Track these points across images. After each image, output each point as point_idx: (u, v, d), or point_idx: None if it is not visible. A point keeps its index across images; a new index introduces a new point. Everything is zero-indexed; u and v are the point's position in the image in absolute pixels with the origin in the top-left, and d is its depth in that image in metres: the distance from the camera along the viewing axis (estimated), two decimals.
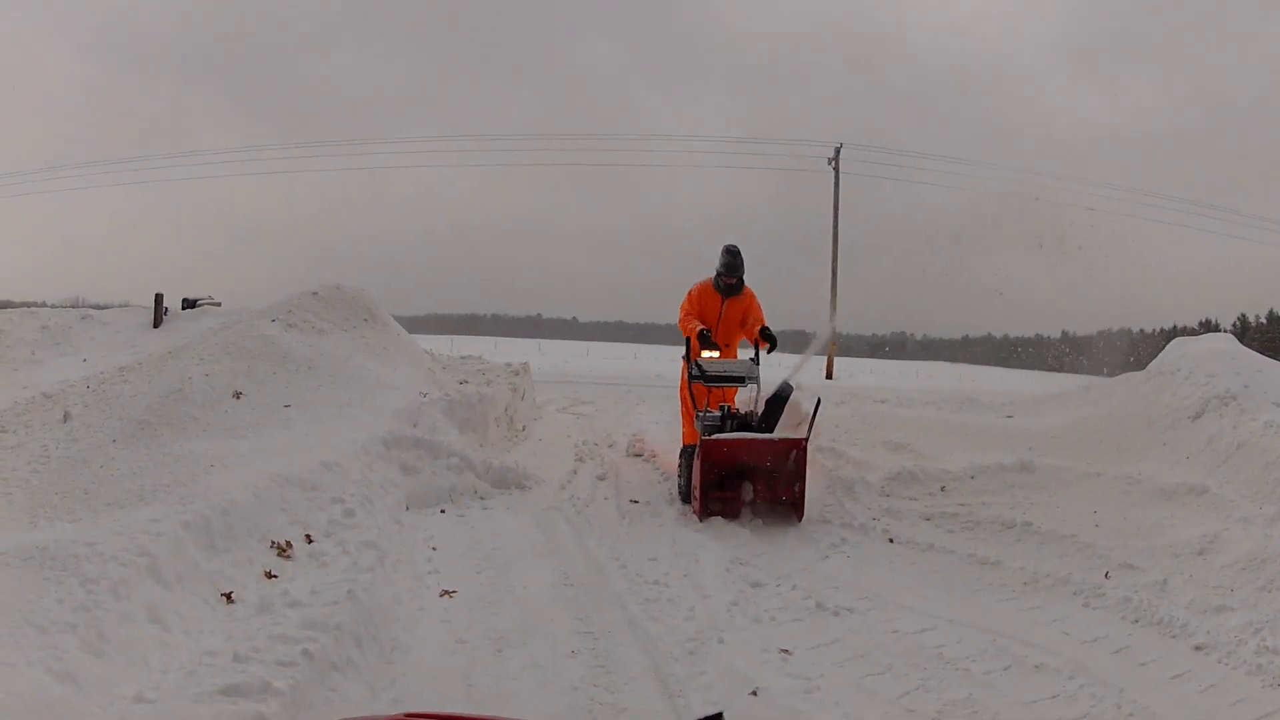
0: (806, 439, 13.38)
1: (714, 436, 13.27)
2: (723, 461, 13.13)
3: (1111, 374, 19.78)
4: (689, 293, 15.50)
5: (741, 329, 15.53)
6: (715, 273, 15.37)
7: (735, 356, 15.50)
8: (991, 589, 10.51)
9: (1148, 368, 17.52)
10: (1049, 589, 10.36)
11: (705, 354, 14.65)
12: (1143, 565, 10.70)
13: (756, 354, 14.85)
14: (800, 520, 13.08)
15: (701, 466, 13.05)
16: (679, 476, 14.36)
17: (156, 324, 20.82)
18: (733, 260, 15.22)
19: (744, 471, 13.25)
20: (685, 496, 13.94)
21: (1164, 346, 18.05)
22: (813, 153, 52.37)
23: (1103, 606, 9.80)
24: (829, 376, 44.30)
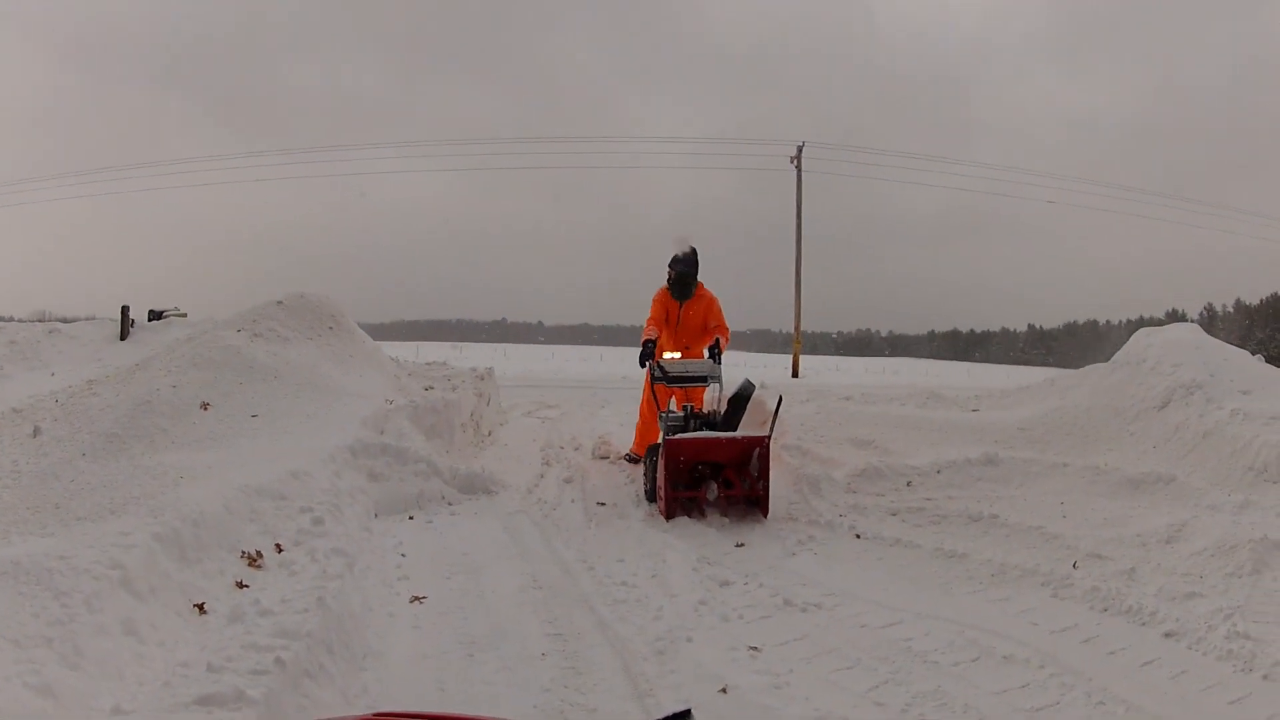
0: (769, 436, 13.67)
1: (677, 436, 13.48)
2: (687, 461, 13.44)
3: (1078, 366, 19.88)
4: (653, 298, 16.21)
5: (704, 332, 15.85)
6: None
7: (701, 357, 15.53)
8: (959, 581, 10.58)
9: (1113, 359, 17.73)
10: (1017, 580, 10.44)
11: (667, 355, 15.33)
12: (1111, 555, 10.81)
13: (715, 354, 15.02)
14: (766, 517, 13.25)
15: (666, 466, 13.24)
16: (644, 478, 14.50)
17: (123, 336, 20.80)
18: (676, 264, 15.84)
19: (708, 470, 13.57)
20: (651, 496, 14.06)
21: (1131, 337, 18.12)
22: (779, 151, 52.23)
23: (1071, 596, 9.87)
24: (795, 375, 44.28)
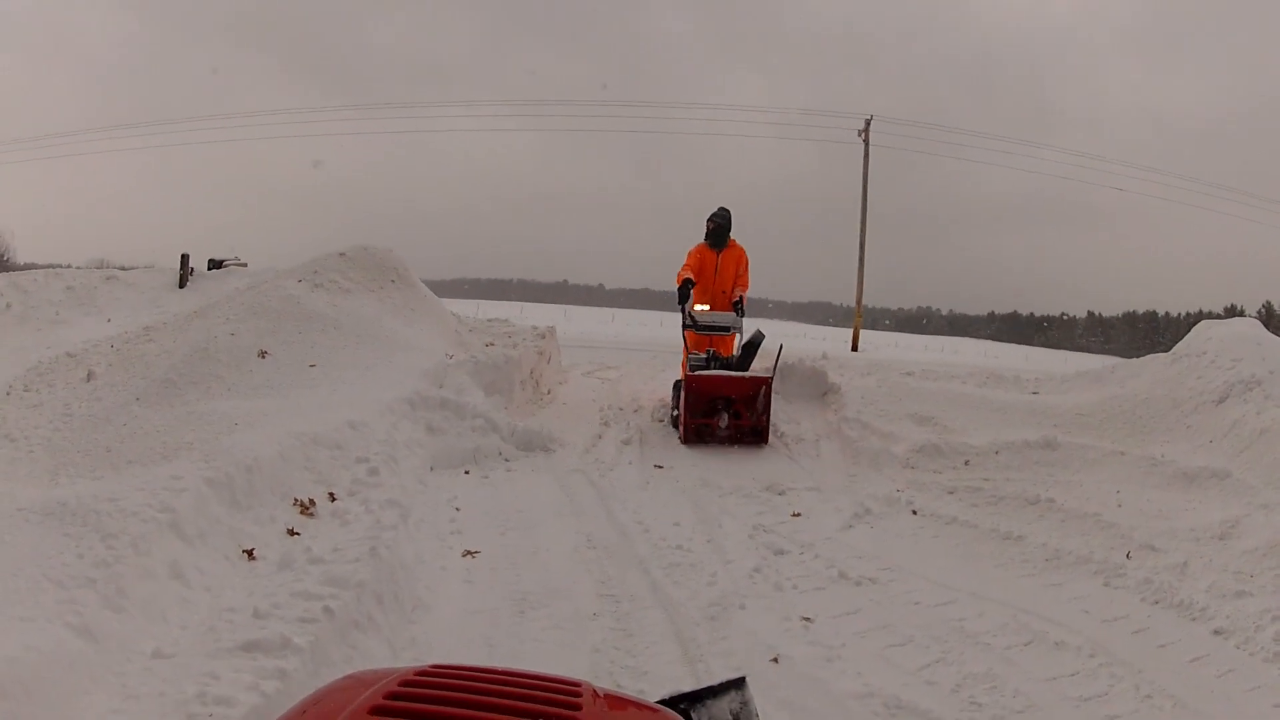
0: (772, 377, 15.93)
1: (697, 373, 15.87)
2: (704, 394, 15.81)
3: (1135, 356, 19.74)
4: (689, 251, 17.72)
5: (736, 277, 17.60)
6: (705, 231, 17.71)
7: (727, 306, 17.42)
8: (1013, 564, 10.51)
9: (1173, 350, 17.51)
10: (1070, 567, 10.34)
11: (698, 307, 17.22)
12: (1164, 547, 10.68)
13: (738, 307, 17.23)
14: (765, 444, 15.64)
15: (686, 398, 15.69)
16: (672, 407, 16.89)
17: (182, 284, 20.80)
18: (715, 218, 17.56)
19: (721, 403, 15.84)
20: (675, 424, 16.29)
21: (1189, 330, 17.96)
22: (850, 125, 51.92)
23: (1123, 586, 9.77)
24: (855, 348, 44.04)
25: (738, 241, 17.81)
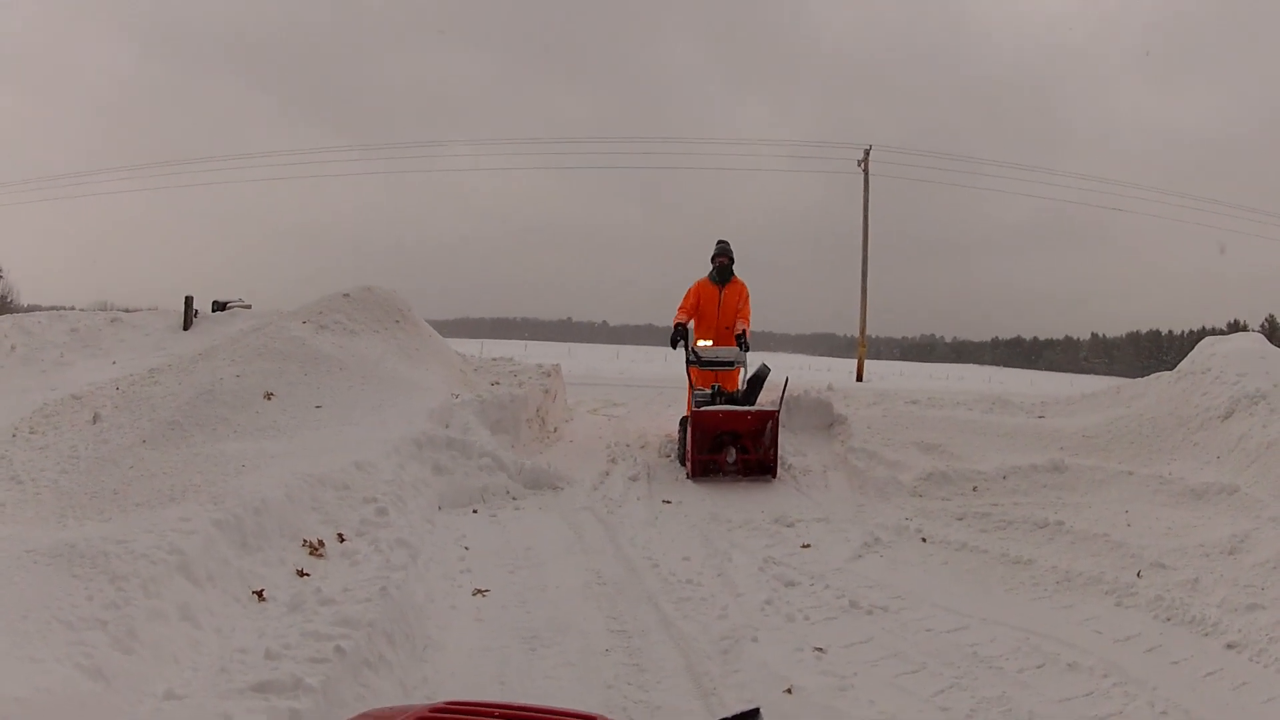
0: (778, 410, 16.06)
1: (703, 409, 15.91)
2: (710, 429, 15.87)
3: (1140, 375, 19.79)
4: (687, 290, 18.08)
5: (738, 312, 17.80)
6: (710, 267, 18.03)
7: (732, 341, 17.63)
8: (1024, 588, 10.51)
9: (1178, 368, 17.51)
10: (1081, 588, 10.34)
11: (701, 342, 17.61)
12: (1174, 564, 10.66)
13: (742, 341, 17.39)
14: (774, 478, 15.64)
15: (693, 434, 15.77)
16: (678, 444, 16.90)
17: (186, 326, 20.80)
18: (720, 255, 17.90)
19: (728, 437, 15.96)
20: (683, 460, 16.39)
21: (1193, 347, 17.96)
22: (851, 155, 51.93)
23: (1135, 605, 9.77)
24: (859, 379, 44.04)
25: (739, 276, 18.03)
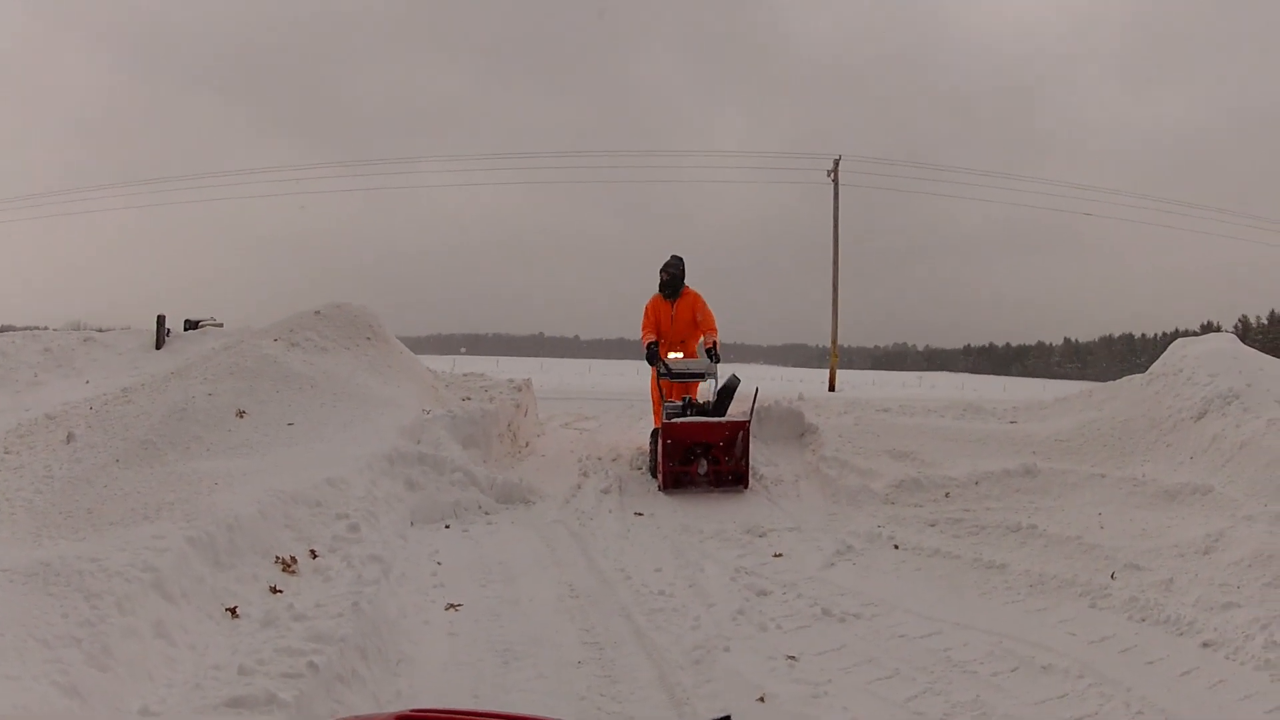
0: (749, 420, 16.15)
1: (674, 420, 15.96)
2: (681, 441, 15.92)
3: (1112, 380, 19.88)
4: (645, 308, 18.44)
5: (693, 325, 18.06)
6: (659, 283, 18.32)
7: (693, 352, 17.84)
8: (998, 592, 10.55)
9: (1150, 370, 17.67)
10: (1055, 590, 10.40)
11: (671, 355, 17.73)
12: (1148, 565, 10.73)
13: (712, 353, 17.32)
14: (746, 488, 15.71)
15: (664, 446, 15.75)
16: (649, 456, 17.01)
17: (159, 345, 20.79)
18: (668, 269, 18.16)
19: (699, 449, 15.97)
20: (654, 472, 16.38)
21: (1166, 349, 18.04)
22: (822, 165, 51.95)
23: (1109, 606, 9.83)
24: (832, 389, 44.09)
25: (691, 288, 18.21)
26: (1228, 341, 17.60)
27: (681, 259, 18.28)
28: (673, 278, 18.01)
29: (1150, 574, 10.48)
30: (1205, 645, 8.70)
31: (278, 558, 9.55)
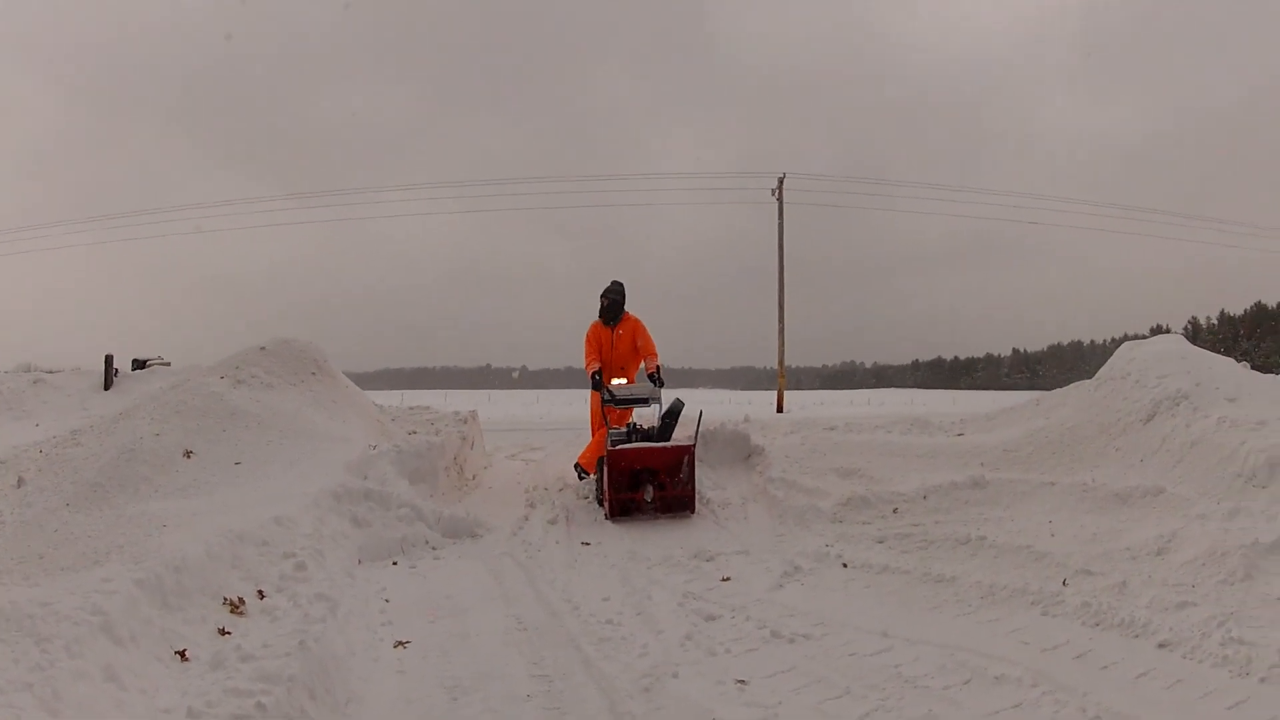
0: (694, 445, 16.11)
1: (619, 447, 15.91)
2: (626, 468, 15.87)
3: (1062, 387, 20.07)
4: (586, 335, 18.28)
5: (633, 350, 17.96)
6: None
7: (633, 378, 17.96)
8: (948, 605, 10.56)
9: (1097, 374, 17.94)
10: (1006, 600, 10.44)
11: (615, 381, 17.57)
12: (1101, 570, 10.84)
13: (655, 378, 17.26)
14: (693, 513, 15.69)
15: (609, 474, 15.75)
16: (595, 485, 17.02)
17: (107, 386, 20.94)
18: (608, 294, 18.07)
19: (644, 475, 15.93)
20: (600, 500, 16.41)
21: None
22: (766, 184, 52.23)
23: (1062, 613, 9.86)
24: (780, 410, 44.11)
25: (631, 314, 18.11)
26: (1175, 343, 17.82)
27: (622, 284, 18.25)
28: (613, 303, 17.95)
29: (1103, 578, 10.58)
30: (1161, 646, 8.73)
31: (225, 599, 9.52)
